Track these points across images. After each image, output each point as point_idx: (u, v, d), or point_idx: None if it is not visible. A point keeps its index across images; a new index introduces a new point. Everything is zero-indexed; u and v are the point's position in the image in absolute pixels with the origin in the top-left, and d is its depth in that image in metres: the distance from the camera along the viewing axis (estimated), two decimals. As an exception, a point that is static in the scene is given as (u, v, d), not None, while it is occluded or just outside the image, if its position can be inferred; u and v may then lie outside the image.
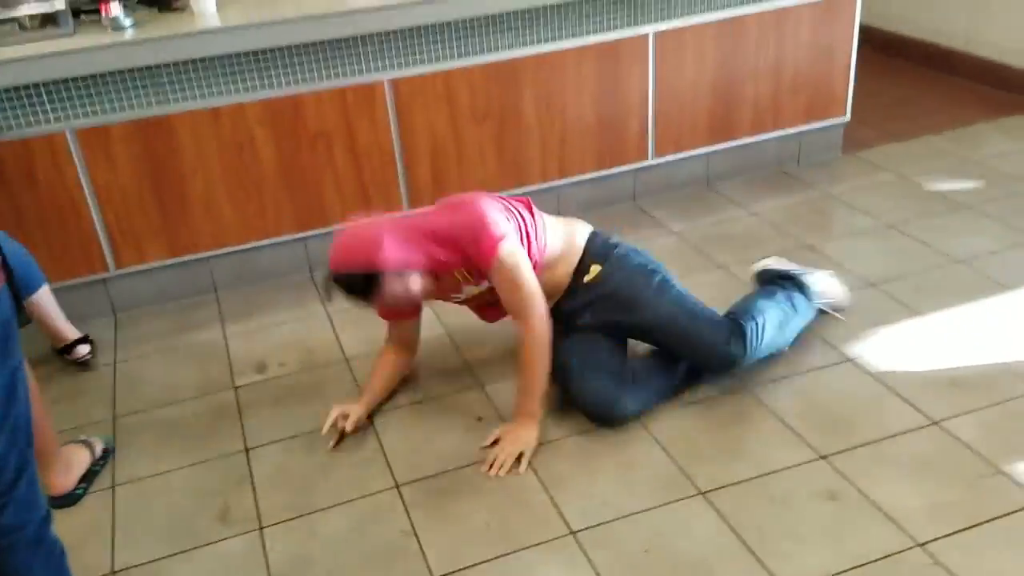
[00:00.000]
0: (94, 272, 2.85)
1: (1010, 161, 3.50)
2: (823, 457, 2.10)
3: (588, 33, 3.09)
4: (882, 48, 4.65)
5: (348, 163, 2.98)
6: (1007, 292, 2.67)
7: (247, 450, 2.31)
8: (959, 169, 3.48)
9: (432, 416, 2.37)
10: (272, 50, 2.77)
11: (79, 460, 2.21)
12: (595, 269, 2.32)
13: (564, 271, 2.33)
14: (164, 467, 2.28)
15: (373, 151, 2.99)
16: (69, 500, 2.16)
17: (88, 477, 2.21)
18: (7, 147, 2.63)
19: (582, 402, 2.26)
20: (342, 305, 2.80)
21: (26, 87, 2.58)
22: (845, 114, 3.59)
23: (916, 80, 4.45)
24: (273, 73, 2.81)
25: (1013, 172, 3.41)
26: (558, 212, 3.31)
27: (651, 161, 3.36)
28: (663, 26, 3.15)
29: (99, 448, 2.28)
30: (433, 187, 3.11)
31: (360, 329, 2.77)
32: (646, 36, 3.14)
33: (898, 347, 2.46)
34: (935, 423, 2.18)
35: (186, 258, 2.96)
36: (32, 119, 2.64)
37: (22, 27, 2.69)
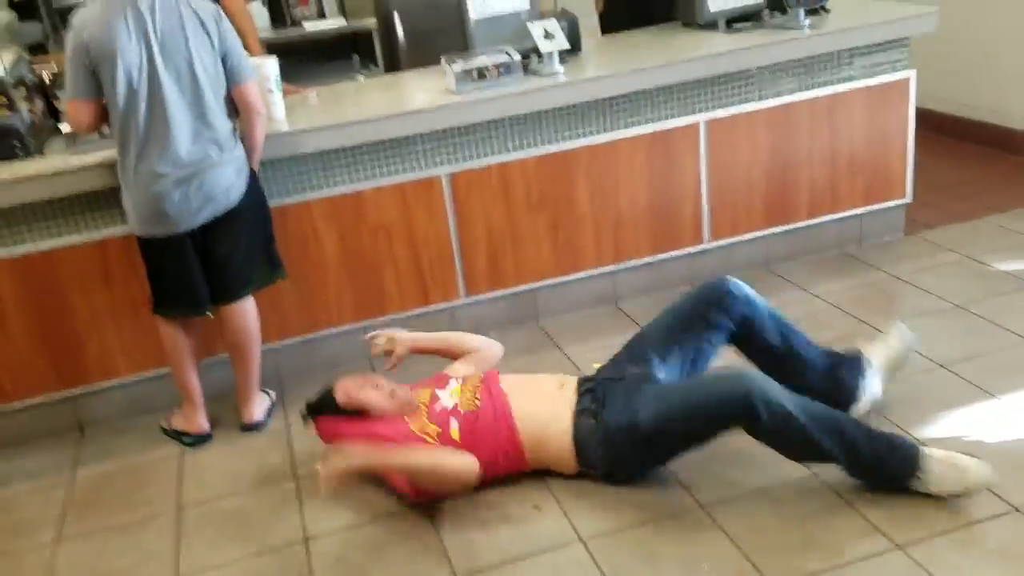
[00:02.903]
0: (162, 367, 2.94)
1: (1081, 238, 3.41)
2: (900, 547, 2.01)
3: (640, 124, 3.15)
4: (940, 129, 4.62)
5: (407, 254, 3.06)
6: (1087, 372, 2.56)
7: (306, 539, 2.31)
8: (1027, 247, 3.39)
9: (489, 505, 2.34)
10: (335, 151, 2.90)
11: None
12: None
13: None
14: (226, 558, 2.29)
15: (431, 241, 3.07)
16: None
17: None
18: (67, 252, 2.78)
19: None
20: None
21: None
22: (906, 195, 3.55)
23: (977, 160, 4.40)
24: (336, 171, 2.93)
25: (1085, 249, 3.32)
26: (615, 298, 3.35)
27: (707, 245, 3.37)
28: (714, 114, 3.20)
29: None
30: (489, 275, 3.16)
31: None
32: (697, 124, 3.19)
33: (973, 430, 2.37)
34: (1016, 510, 2.07)
35: (252, 350, 3.05)
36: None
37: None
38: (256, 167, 2.69)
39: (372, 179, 2.97)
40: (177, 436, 2.84)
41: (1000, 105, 4.43)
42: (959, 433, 2.36)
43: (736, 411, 2.11)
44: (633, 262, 3.32)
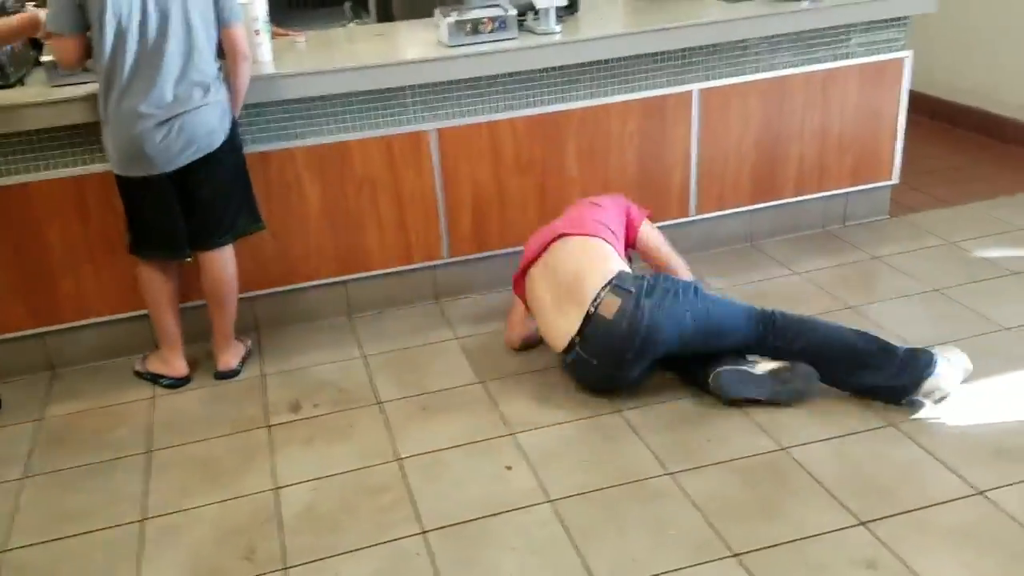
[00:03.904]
0: (137, 309, 2.90)
1: (1063, 229, 3.43)
2: (862, 523, 2.04)
3: (634, 89, 3.12)
4: (933, 114, 4.62)
5: (391, 209, 3.03)
6: (1058, 362, 2.59)
7: (276, 489, 2.31)
8: (1009, 236, 3.41)
9: (461, 463, 2.35)
10: (323, 98, 2.85)
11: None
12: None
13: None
14: (194, 503, 2.29)
15: (416, 198, 3.04)
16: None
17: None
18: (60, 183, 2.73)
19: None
20: (378, 348, 2.84)
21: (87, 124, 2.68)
22: (892, 177, 3.55)
23: (968, 146, 4.41)
24: (322, 120, 2.88)
25: (1066, 240, 3.34)
26: (598, 265, 3.33)
27: (692, 217, 3.36)
28: (708, 84, 3.17)
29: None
30: (474, 235, 3.14)
31: (394, 374, 2.78)
32: (690, 93, 3.16)
33: (942, 413, 2.39)
34: (980, 493, 2.10)
35: (229, 297, 3.01)
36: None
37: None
38: (237, 113, 2.64)
39: (358, 130, 2.92)
40: (154, 379, 2.82)
41: (992, 92, 4.43)
42: (929, 416, 2.38)
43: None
44: (618, 229, 3.30)
